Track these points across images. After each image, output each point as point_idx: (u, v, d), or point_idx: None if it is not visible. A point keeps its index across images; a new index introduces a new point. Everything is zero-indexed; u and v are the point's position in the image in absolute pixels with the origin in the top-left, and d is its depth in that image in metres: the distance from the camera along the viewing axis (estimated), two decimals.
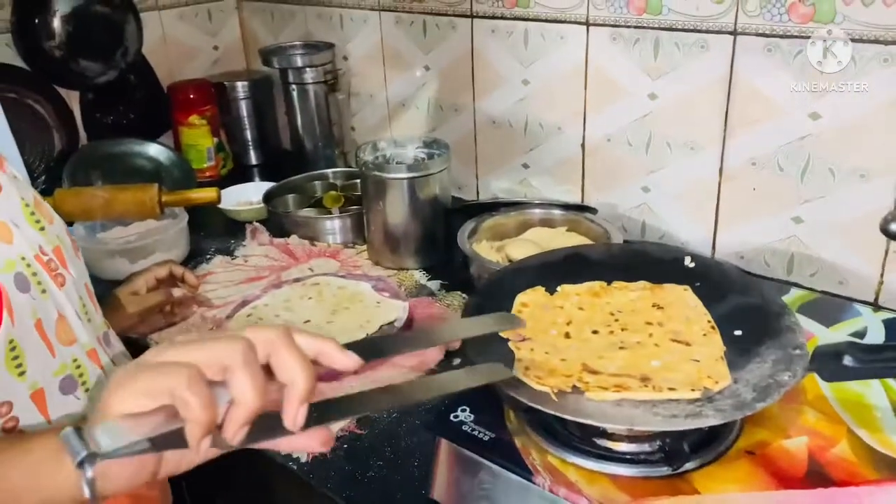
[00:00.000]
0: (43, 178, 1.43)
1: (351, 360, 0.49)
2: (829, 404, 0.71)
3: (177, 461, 0.51)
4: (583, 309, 0.78)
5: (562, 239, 1.15)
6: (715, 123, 1.10)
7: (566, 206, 1.21)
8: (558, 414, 0.62)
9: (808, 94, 1.00)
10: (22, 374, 0.60)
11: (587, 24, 1.18)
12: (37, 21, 1.40)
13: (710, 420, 0.60)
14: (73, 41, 1.43)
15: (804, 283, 1.09)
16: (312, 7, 1.61)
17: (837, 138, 1.00)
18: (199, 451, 0.48)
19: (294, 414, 0.45)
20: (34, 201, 0.70)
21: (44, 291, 0.64)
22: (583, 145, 1.27)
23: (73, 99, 1.53)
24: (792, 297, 0.91)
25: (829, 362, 0.63)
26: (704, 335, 0.73)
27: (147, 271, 1.05)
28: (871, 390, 0.72)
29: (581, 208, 1.21)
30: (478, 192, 1.47)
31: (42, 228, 0.68)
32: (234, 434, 0.45)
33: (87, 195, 1.24)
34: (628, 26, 1.14)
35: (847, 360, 0.61)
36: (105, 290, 0.97)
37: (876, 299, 1.04)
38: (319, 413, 0.47)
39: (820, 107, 1.00)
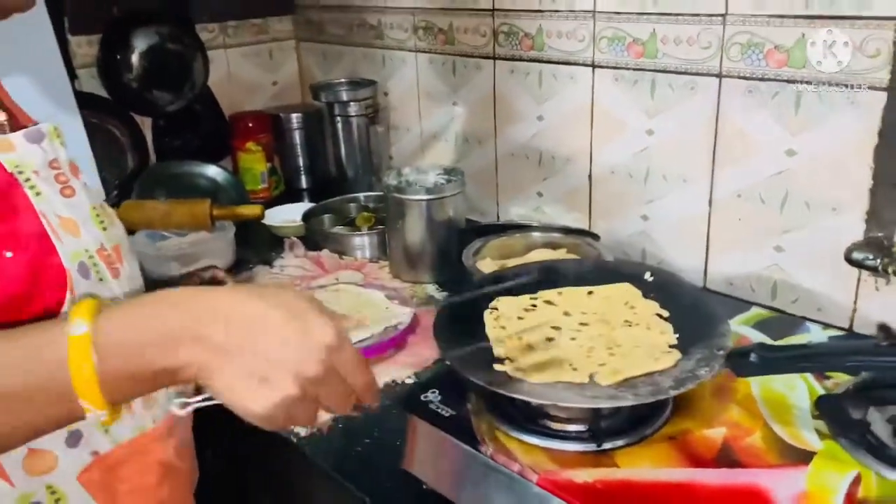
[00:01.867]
0: (115, 192, 1.63)
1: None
2: (755, 402, 0.79)
3: None
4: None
5: None
6: (704, 158, 1.20)
7: (568, 231, 1.32)
8: (498, 391, 0.73)
9: (785, 132, 1.09)
10: None
11: (593, 66, 1.30)
12: (118, 57, 1.62)
13: (626, 402, 0.70)
14: (149, 75, 1.64)
15: (787, 309, 1.15)
16: (359, 48, 1.79)
17: (811, 173, 1.08)
18: None
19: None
20: (100, 206, 0.85)
21: (101, 280, 0.77)
22: (590, 176, 1.38)
23: (146, 125, 1.74)
24: (751, 314, 0.99)
25: (739, 360, 0.72)
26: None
27: (192, 274, 1.20)
28: (795, 392, 0.80)
29: (582, 233, 1.32)
30: (498, 217, 1.59)
31: (105, 228, 0.82)
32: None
33: (149, 207, 1.42)
34: (628, 68, 1.25)
35: (753, 358, 0.70)
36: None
37: (851, 326, 1.09)
38: None
39: (795, 144, 1.08)
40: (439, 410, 0.82)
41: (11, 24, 0.74)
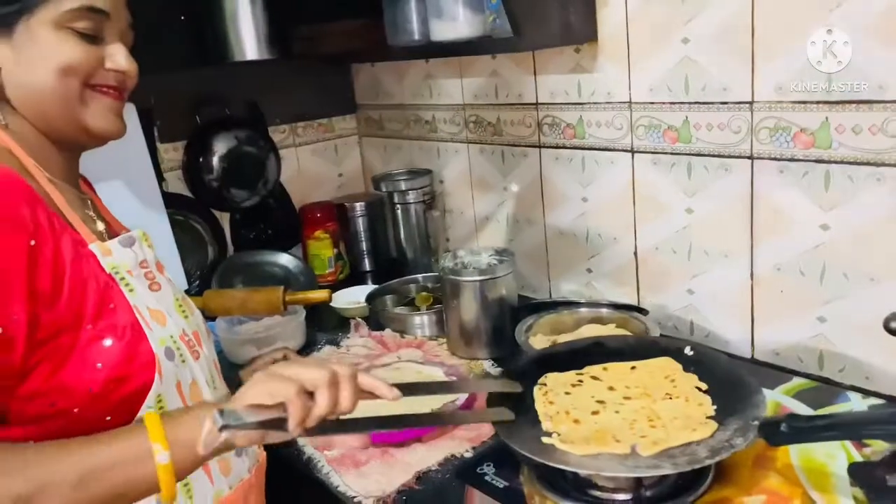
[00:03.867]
0: (197, 282, 1.78)
1: (393, 394, 0.78)
2: (794, 471, 0.83)
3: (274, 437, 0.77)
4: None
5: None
6: (743, 234, 1.26)
7: (616, 306, 1.38)
8: (546, 462, 0.80)
9: (818, 208, 1.15)
10: None
11: (632, 151, 1.39)
12: (200, 160, 1.80)
13: (665, 471, 0.76)
14: (227, 175, 1.82)
15: (835, 378, 1.18)
16: (415, 141, 1.93)
17: (846, 246, 1.13)
18: (292, 434, 0.74)
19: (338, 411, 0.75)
20: (181, 297, 0.97)
21: (183, 361, 0.88)
22: (635, 253, 1.45)
23: (224, 219, 1.91)
24: (792, 384, 1.03)
25: (771, 429, 0.77)
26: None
27: (266, 355, 1.31)
28: (835, 461, 0.84)
29: (630, 308, 1.38)
30: (550, 293, 1.66)
31: (186, 317, 0.94)
32: (311, 423, 0.73)
33: (227, 296, 1.55)
34: (665, 153, 1.34)
35: (784, 427, 0.75)
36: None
37: None
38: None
39: (828, 219, 1.14)
40: (494, 482, 0.89)
41: None
